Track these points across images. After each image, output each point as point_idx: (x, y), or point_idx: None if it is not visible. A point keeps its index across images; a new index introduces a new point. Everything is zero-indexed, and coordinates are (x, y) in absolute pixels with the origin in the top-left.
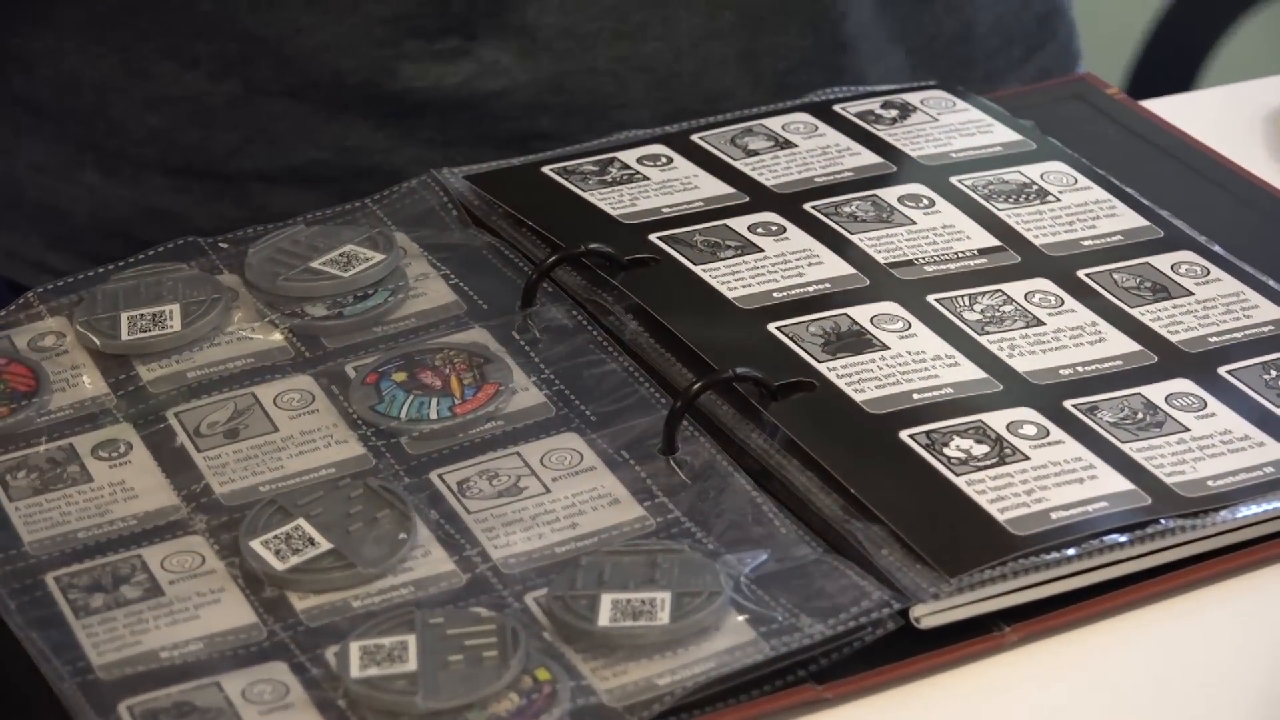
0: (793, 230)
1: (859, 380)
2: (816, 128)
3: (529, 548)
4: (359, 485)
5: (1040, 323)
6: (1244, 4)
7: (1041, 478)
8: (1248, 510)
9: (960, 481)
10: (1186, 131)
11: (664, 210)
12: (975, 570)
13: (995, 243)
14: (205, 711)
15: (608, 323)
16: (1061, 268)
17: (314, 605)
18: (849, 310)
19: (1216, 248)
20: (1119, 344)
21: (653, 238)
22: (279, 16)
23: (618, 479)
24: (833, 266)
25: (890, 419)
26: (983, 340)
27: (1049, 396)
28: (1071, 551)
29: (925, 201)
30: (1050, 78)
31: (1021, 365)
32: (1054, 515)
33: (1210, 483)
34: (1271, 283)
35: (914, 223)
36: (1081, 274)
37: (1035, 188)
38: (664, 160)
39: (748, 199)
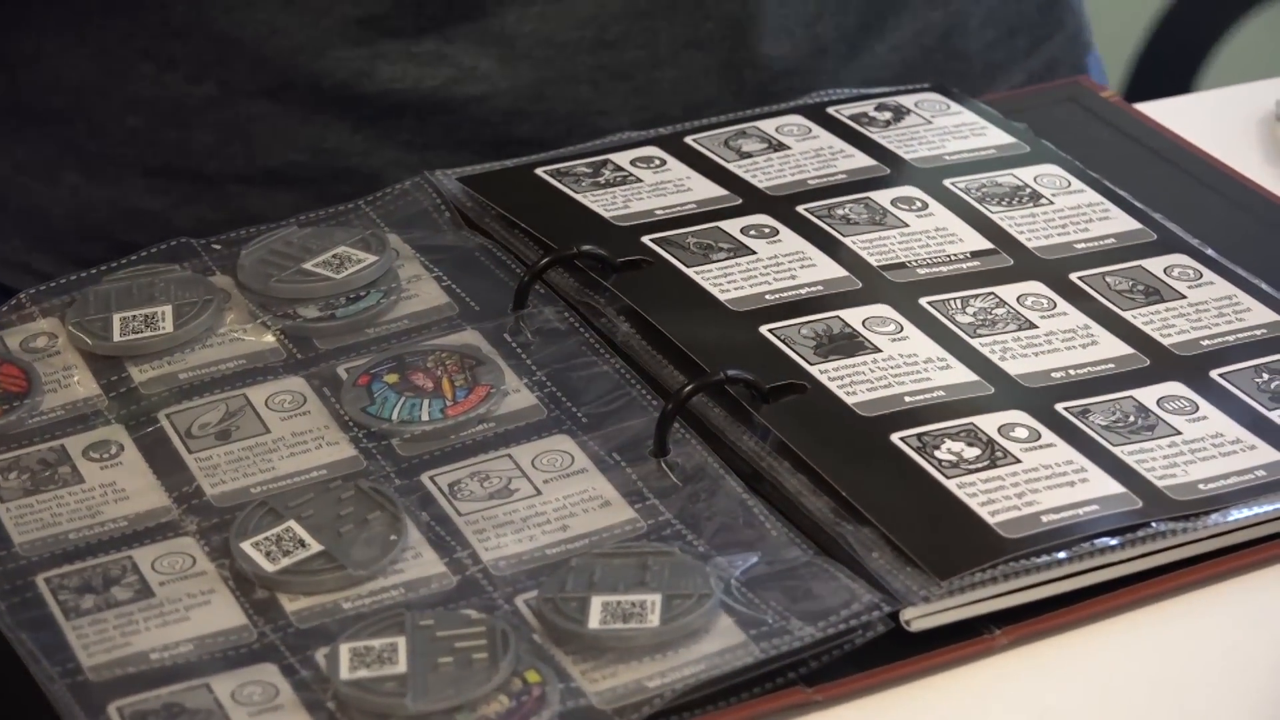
0: (785, 232)
1: (851, 383)
2: (810, 130)
3: (520, 550)
4: (350, 487)
5: (1032, 325)
6: (1245, 4)
7: (1033, 480)
8: (1239, 513)
9: (951, 484)
10: (1180, 135)
11: (657, 212)
12: (966, 573)
13: (988, 245)
14: (195, 713)
15: (600, 325)
16: (1054, 271)
17: (304, 607)
18: (841, 313)
19: (1209, 251)
20: (1111, 347)
21: (645, 240)
22: (254, 18)
23: (609, 481)
24: (825, 269)
25: (882, 421)
26: (975, 343)
27: (1041, 399)
28: (1062, 554)
29: (918, 204)
30: (1059, 70)
31: (1013, 368)
32: (1045, 518)
33: (1202, 486)
34: (1264, 286)
35: (907, 225)
36: (1074, 277)
37: (1028, 190)
38: (657, 162)
39: (740, 201)
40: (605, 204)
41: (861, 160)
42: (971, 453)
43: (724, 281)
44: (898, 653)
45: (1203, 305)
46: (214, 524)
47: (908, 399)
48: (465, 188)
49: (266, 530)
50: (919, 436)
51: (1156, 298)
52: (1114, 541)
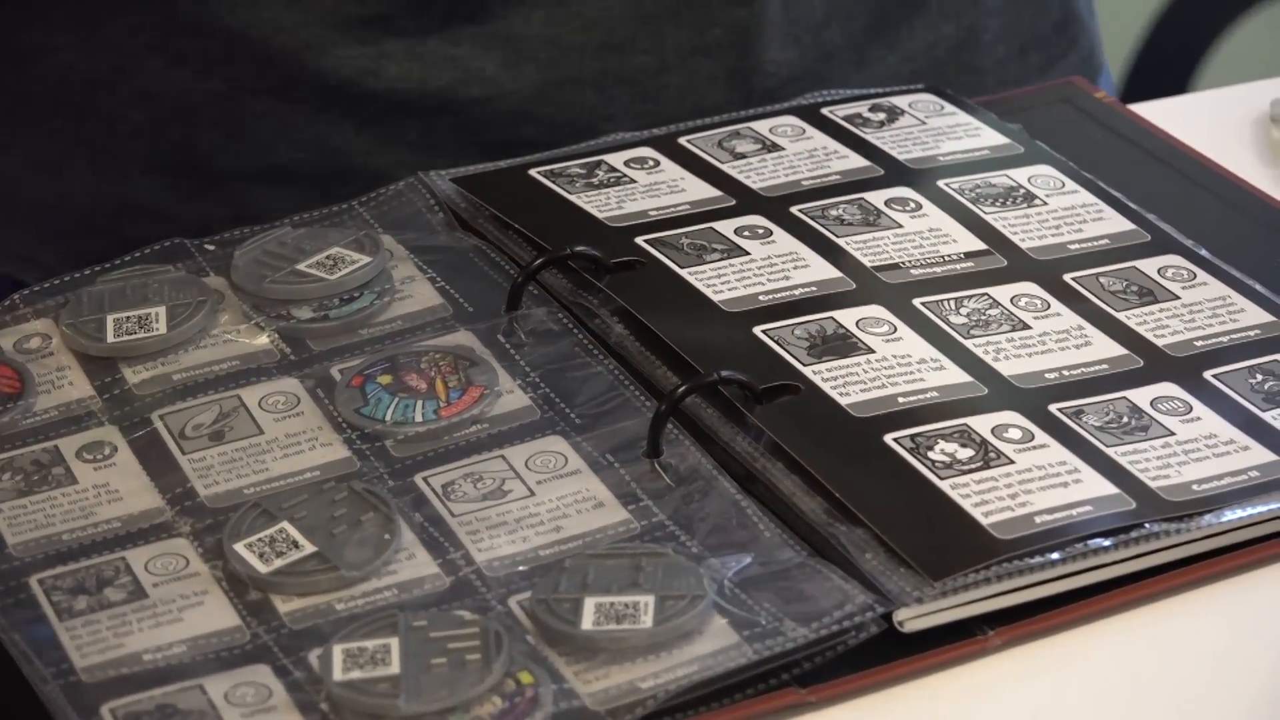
0: (779, 233)
1: (844, 383)
2: (804, 131)
3: (513, 551)
4: (343, 489)
5: (1026, 326)
6: (1242, 4)
7: (1026, 481)
8: (1233, 514)
9: (945, 485)
10: (1174, 135)
11: (650, 213)
12: (959, 574)
13: (982, 246)
14: (188, 714)
15: (593, 325)
16: (1048, 271)
17: (297, 608)
18: (835, 313)
19: (1203, 251)
20: (1105, 348)
21: (639, 240)
22: (260, 15)
23: (602, 482)
24: (819, 270)
25: (875, 422)
26: (968, 344)
27: (1034, 400)
28: (1055, 555)
29: (912, 205)
30: None
31: (1007, 369)
32: (1038, 519)
33: (1195, 487)
34: (1258, 286)
35: (901, 226)
36: (1068, 278)
37: (1022, 191)
38: (651, 163)
39: (734, 202)
40: (599, 205)
41: (855, 161)
42: (965, 454)
43: (718, 282)
44: (891, 654)
45: (1197, 306)
46: (207, 525)
47: (901, 400)
48: (459, 188)
49: (260, 532)
50: (912, 437)
51: (1150, 298)
52: (1107, 542)
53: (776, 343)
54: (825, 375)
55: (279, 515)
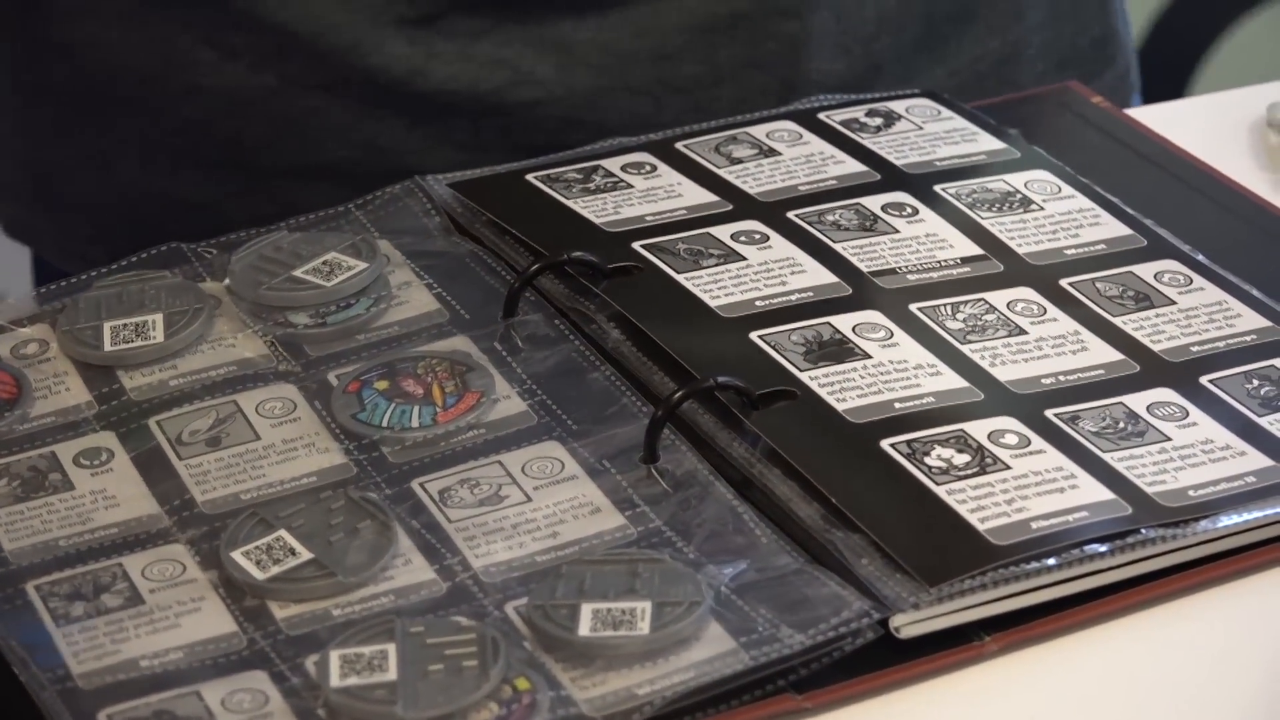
0: (776, 239)
1: (840, 389)
2: (801, 136)
3: (510, 556)
4: (340, 496)
5: (1023, 331)
6: (1240, 7)
7: (1022, 487)
8: (1229, 520)
9: (941, 491)
10: (1171, 140)
11: (647, 218)
12: (955, 580)
13: (978, 251)
14: None
15: (590, 331)
16: (1044, 276)
17: (294, 614)
18: (831, 319)
19: (1200, 257)
20: (1101, 353)
21: (636, 246)
22: (312, 12)
23: (599, 488)
24: (815, 275)
25: (871, 428)
26: (965, 349)
27: (1031, 406)
28: (1052, 561)
29: (909, 210)
30: None
31: (1003, 374)
32: (1034, 525)
33: (1191, 492)
34: (1254, 292)
35: (897, 231)
36: (1064, 283)
37: (1019, 196)
38: (648, 168)
39: (731, 207)
40: (596, 210)
41: (852, 166)
42: (961, 459)
43: (714, 288)
44: (888, 660)
45: (1193, 311)
46: (204, 531)
47: (898, 405)
48: (456, 193)
49: (257, 539)
50: (909, 443)
51: (1147, 304)
52: (1104, 548)
53: (773, 348)
54: (822, 381)
55: (276, 523)
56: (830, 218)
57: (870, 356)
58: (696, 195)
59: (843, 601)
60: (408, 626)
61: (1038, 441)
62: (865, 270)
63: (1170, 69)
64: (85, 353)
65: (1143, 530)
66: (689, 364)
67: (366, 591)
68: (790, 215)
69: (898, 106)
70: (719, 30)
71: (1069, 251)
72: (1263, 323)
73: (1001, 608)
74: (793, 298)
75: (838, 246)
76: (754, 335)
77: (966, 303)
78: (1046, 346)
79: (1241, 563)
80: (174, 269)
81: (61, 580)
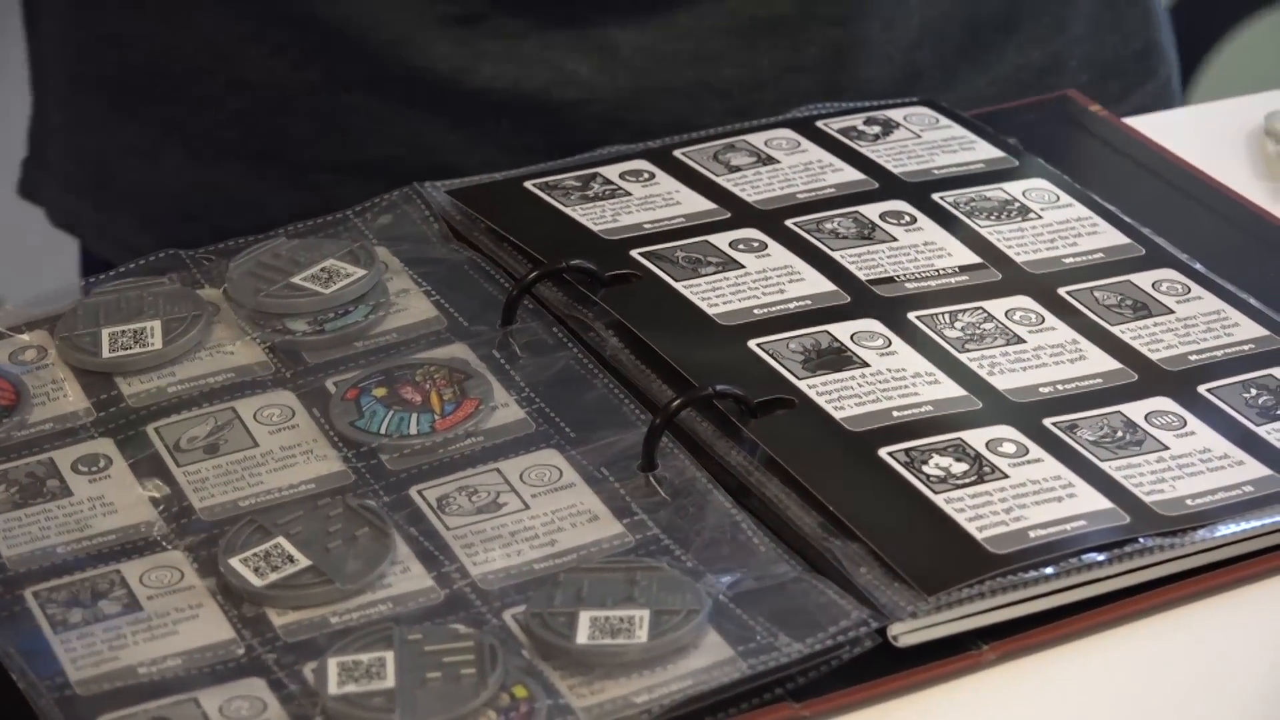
0: (774, 247)
1: (839, 397)
2: (799, 144)
3: (508, 564)
4: (338, 504)
5: (1021, 340)
6: (1238, 13)
7: (1020, 496)
8: (1226, 529)
9: (939, 499)
10: (1169, 149)
11: (645, 226)
12: (954, 588)
13: (976, 260)
14: None
15: (588, 339)
16: (1042, 285)
17: (292, 621)
18: (829, 327)
19: (1198, 265)
20: (1099, 362)
21: (634, 254)
22: (359, 9)
23: (597, 496)
24: (814, 283)
25: (870, 436)
26: (963, 358)
27: (1029, 414)
28: (1050, 570)
29: (907, 218)
30: None
31: (1001, 383)
32: (1032, 534)
33: (1189, 501)
34: (1252, 301)
35: (895, 240)
36: (1062, 291)
37: (1017, 205)
38: (646, 176)
39: (729, 215)
40: (594, 218)
41: (850, 174)
42: (959, 468)
43: (712, 296)
44: (886, 668)
45: (1191, 320)
46: (202, 538)
47: (896, 414)
48: (454, 200)
49: (255, 546)
50: (907, 451)
51: (1145, 313)
52: (1102, 557)
53: (771, 356)
54: (820, 389)
55: (274, 530)
56: (828, 226)
57: (868, 365)
58: (695, 203)
59: (841, 610)
60: (406, 634)
61: (1036, 450)
62: (863, 279)
63: None
64: (83, 359)
65: (1141, 539)
66: (687, 372)
67: (365, 599)
68: (788, 223)
69: (896, 115)
70: (760, 33)
71: (1067, 260)
72: (1261, 332)
73: (999, 616)
74: (791, 306)
75: (836, 255)
76: (752, 343)
77: (965, 311)
78: (1045, 355)
79: (1239, 572)
80: (172, 276)
81: (60, 587)
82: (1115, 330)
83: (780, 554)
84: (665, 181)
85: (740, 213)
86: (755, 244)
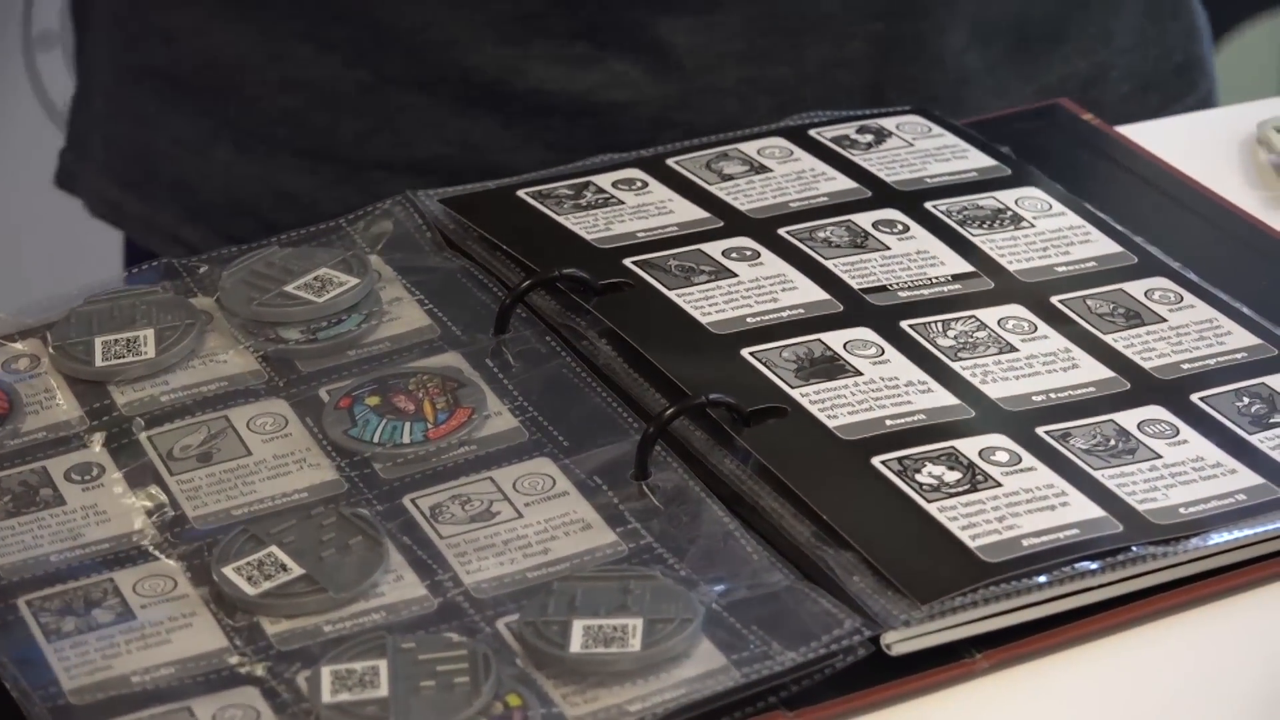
0: (767, 255)
1: (832, 406)
2: (791, 152)
3: (501, 573)
4: (331, 513)
5: (1013, 349)
6: (1230, 20)
7: (1013, 505)
8: (1219, 537)
9: (932, 508)
10: (1161, 157)
11: (638, 235)
12: (946, 597)
13: (969, 268)
14: None
15: (581, 347)
16: (1035, 294)
17: (286, 629)
18: (822, 336)
19: (1190, 274)
20: (1092, 370)
21: (627, 262)
22: (413, 8)
23: (590, 504)
24: (807, 292)
25: (863, 445)
26: (956, 366)
27: (1021, 423)
28: (1043, 579)
29: (900, 227)
30: None
31: (994, 392)
32: (1025, 542)
33: (1182, 510)
34: (1245, 309)
35: (888, 248)
36: (1055, 300)
37: (1009, 213)
38: (639, 184)
39: (722, 224)
40: (587, 226)
41: (843, 183)
42: (952, 476)
43: (705, 304)
44: (879, 676)
45: (1183, 329)
46: (195, 547)
47: (889, 422)
48: (447, 209)
49: (248, 555)
50: (900, 460)
51: (1137, 321)
52: (1094, 565)
53: (764, 365)
54: (813, 397)
55: (267, 539)
56: (821, 234)
57: (861, 373)
58: (688, 212)
59: (834, 618)
60: (399, 643)
61: (1029, 459)
62: (856, 287)
63: None
64: (77, 368)
65: (1133, 548)
66: (680, 381)
67: (358, 607)
68: (781, 232)
69: (888, 123)
70: (805, 30)
71: (1060, 269)
72: (1253, 340)
73: (992, 625)
74: (784, 314)
75: (829, 263)
76: (745, 352)
77: (957, 320)
78: (1037, 364)
79: (1232, 580)
80: (165, 284)
81: (53, 596)
82: (1108, 339)
83: (773, 563)
84: (658, 190)
85: (733, 221)
86: (748, 252)
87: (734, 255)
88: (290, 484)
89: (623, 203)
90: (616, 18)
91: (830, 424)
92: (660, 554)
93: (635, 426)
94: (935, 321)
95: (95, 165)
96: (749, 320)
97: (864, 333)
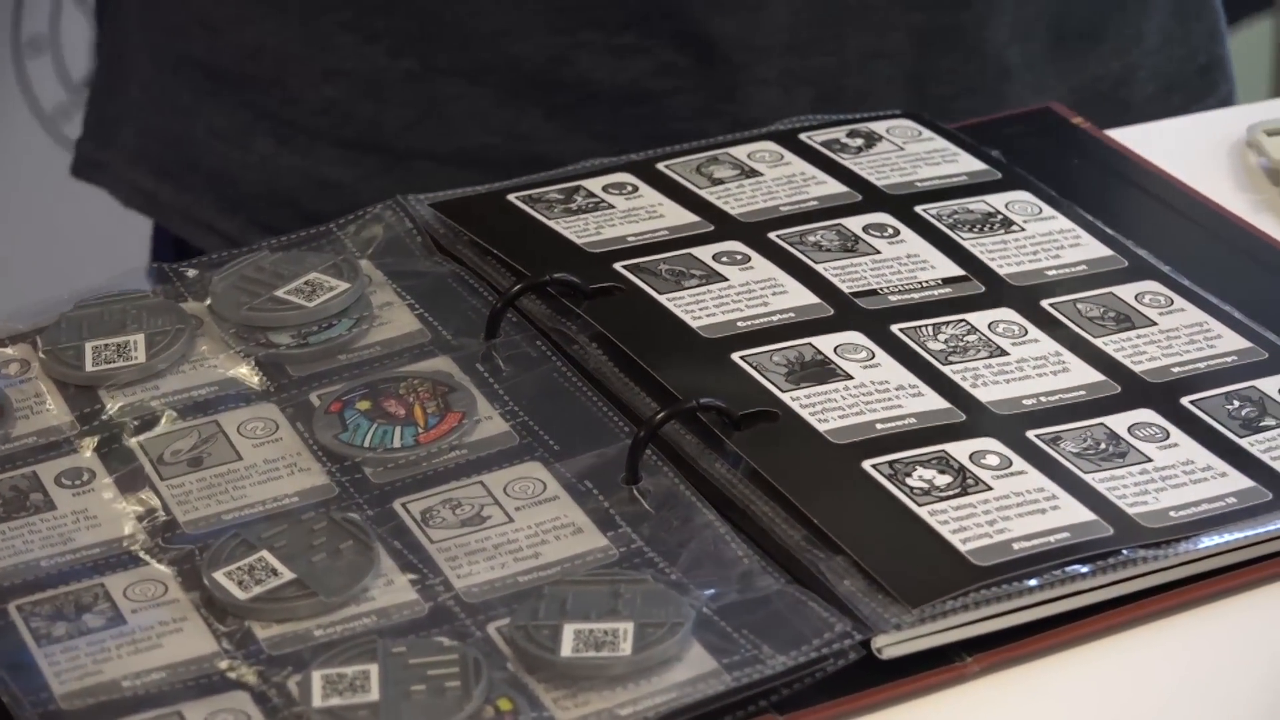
0: (757, 259)
1: (822, 410)
2: (782, 156)
3: (492, 577)
4: (322, 518)
5: (1004, 352)
6: (1232, 18)
7: (1004, 508)
8: (1210, 541)
9: (923, 512)
10: (1152, 161)
11: (629, 239)
12: (937, 600)
13: (959, 272)
14: None
15: (572, 352)
16: (1025, 297)
17: (276, 634)
18: (813, 340)
19: (1181, 278)
20: (1082, 374)
21: (617, 266)
22: None
23: (581, 508)
24: (797, 296)
25: (853, 449)
26: (946, 370)
27: (1012, 427)
28: (1033, 582)
29: (890, 231)
30: None
31: (985, 395)
32: (1016, 546)
33: (1172, 513)
34: (1235, 313)
35: (878, 252)
36: (1045, 304)
37: (1000, 217)
38: (629, 188)
39: (713, 228)
40: (577, 230)
41: (833, 187)
42: (943, 480)
43: (696, 308)
44: (869, 680)
45: (1174, 332)
46: (186, 551)
47: (879, 426)
48: (438, 213)
49: (239, 560)
50: (890, 464)
51: (1128, 325)
52: (1085, 569)
53: (755, 369)
54: (803, 401)
55: (258, 544)
56: (811, 238)
57: (852, 377)
58: (678, 216)
59: (825, 622)
60: (390, 647)
61: (1019, 462)
62: (847, 291)
63: None
64: (67, 373)
65: (1124, 551)
66: (671, 385)
67: (348, 612)
68: (771, 236)
69: (878, 127)
70: (848, 20)
71: (1050, 272)
72: (1243, 344)
73: (983, 628)
74: (774, 318)
75: (819, 267)
76: (736, 356)
77: (948, 323)
78: (1028, 367)
79: (1223, 584)
80: (156, 289)
81: (43, 600)
82: (1098, 342)
83: (764, 566)
84: (648, 194)
85: (723, 225)
86: (738, 256)
87: (724, 259)
88: (281, 488)
89: (613, 207)
90: (666, 8)
91: (821, 428)
92: (651, 558)
93: (626, 430)
94: (926, 325)
95: (126, 154)
96: (739, 324)
97: (854, 336)
